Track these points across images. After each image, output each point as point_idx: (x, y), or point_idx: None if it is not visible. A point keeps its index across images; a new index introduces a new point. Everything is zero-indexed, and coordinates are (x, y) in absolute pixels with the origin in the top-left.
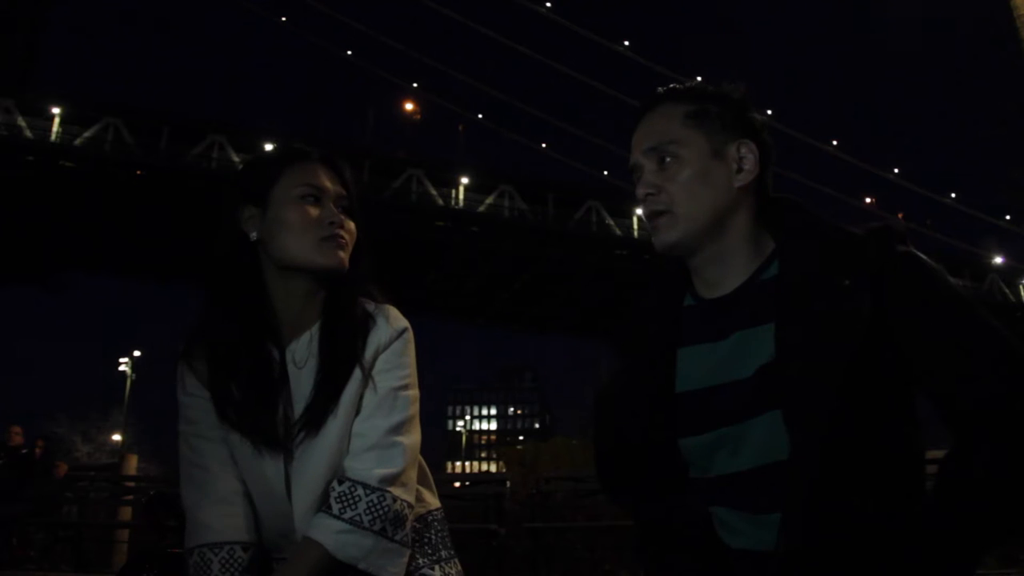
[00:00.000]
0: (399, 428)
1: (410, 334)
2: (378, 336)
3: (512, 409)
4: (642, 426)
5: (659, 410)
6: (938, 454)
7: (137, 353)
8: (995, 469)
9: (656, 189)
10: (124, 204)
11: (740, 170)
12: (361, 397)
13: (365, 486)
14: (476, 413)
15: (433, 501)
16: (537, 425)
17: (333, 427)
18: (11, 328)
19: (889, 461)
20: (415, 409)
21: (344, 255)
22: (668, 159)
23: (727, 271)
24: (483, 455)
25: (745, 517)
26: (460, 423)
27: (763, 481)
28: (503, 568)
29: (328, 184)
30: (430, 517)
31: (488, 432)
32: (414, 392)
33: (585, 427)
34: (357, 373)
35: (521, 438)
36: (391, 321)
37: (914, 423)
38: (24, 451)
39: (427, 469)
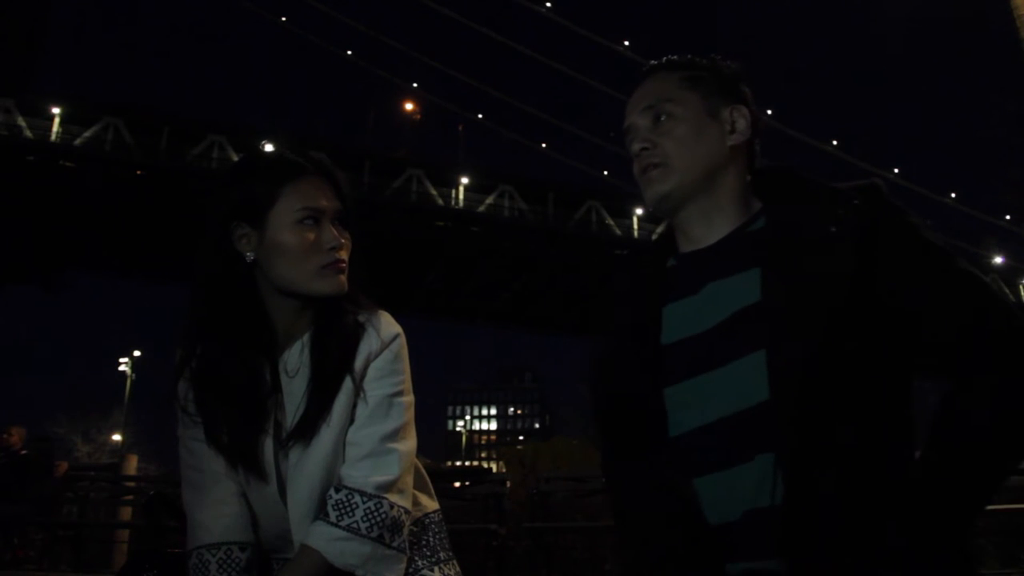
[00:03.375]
0: (394, 435)
1: (402, 340)
2: (369, 344)
3: (512, 409)
4: (633, 381)
5: (648, 367)
6: None
7: (137, 353)
8: (996, 405)
9: (651, 144)
10: (124, 204)
11: (733, 131)
12: (354, 406)
13: (362, 493)
14: (476, 413)
15: (431, 504)
16: (537, 425)
17: (326, 436)
18: (11, 328)
19: (878, 410)
20: (410, 415)
21: (344, 278)
22: (663, 117)
23: (712, 227)
24: (483, 455)
25: (722, 479)
26: (460, 423)
27: (740, 429)
28: (503, 568)
29: (325, 203)
30: (427, 520)
31: (488, 432)
32: (408, 399)
33: (585, 427)
34: (348, 382)
35: (521, 438)
36: (382, 329)
37: (906, 385)
38: (23, 452)
39: (424, 472)
